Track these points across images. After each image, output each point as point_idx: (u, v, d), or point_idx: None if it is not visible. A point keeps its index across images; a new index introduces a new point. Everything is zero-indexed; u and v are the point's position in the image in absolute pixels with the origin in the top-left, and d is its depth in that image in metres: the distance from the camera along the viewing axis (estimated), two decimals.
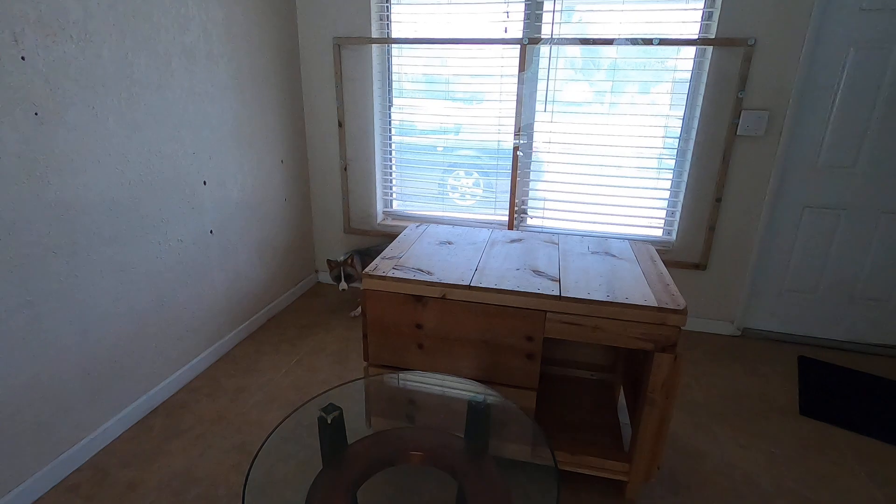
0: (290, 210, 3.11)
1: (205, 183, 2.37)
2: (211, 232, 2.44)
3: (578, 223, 2.99)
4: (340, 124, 3.12)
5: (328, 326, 2.89)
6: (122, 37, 1.86)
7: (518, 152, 2.89)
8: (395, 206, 3.37)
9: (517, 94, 2.79)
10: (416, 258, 1.77)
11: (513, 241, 2.01)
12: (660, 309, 1.45)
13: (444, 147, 3.07)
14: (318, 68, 3.05)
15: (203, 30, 2.25)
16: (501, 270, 1.69)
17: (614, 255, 1.86)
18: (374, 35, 2.93)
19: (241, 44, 2.51)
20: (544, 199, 3.00)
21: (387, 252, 1.83)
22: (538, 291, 1.53)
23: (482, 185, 3.37)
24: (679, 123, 2.75)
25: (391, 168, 3.25)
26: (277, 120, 2.89)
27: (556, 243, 1.98)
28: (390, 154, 3.22)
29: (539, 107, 2.85)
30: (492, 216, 3.12)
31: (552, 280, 1.62)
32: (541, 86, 2.81)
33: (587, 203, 2.93)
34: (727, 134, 2.63)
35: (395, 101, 3.14)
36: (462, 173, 3.15)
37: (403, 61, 3.03)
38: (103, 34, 1.79)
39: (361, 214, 3.30)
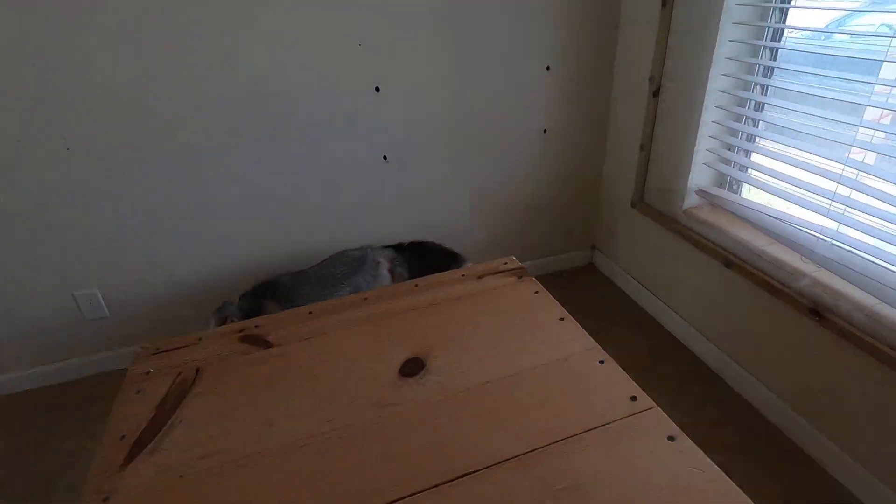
0: (550, 148, 2.00)
1: (378, 90, 1.71)
2: (385, 158, 1.83)
3: None
4: (664, 2, 1.57)
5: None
6: None
7: None
8: (746, 190, 1.60)
9: None
10: None
11: None
12: None
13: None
14: None
15: None
16: None
17: None
18: None
19: None
20: None
21: None
22: None
23: None
24: None
25: (749, 110, 1.47)
26: None
27: None
28: (759, 81, 1.43)
29: None
30: None
31: None
32: None
33: None
34: None
35: None
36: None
37: None
38: None
39: (661, 185, 1.77)
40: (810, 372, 1.33)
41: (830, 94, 1.22)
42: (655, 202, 1.81)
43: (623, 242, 2.07)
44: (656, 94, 1.69)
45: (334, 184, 1.80)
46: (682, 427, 0.68)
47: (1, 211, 1.52)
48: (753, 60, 1.43)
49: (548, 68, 1.84)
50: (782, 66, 1.38)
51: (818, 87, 1.28)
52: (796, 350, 1.36)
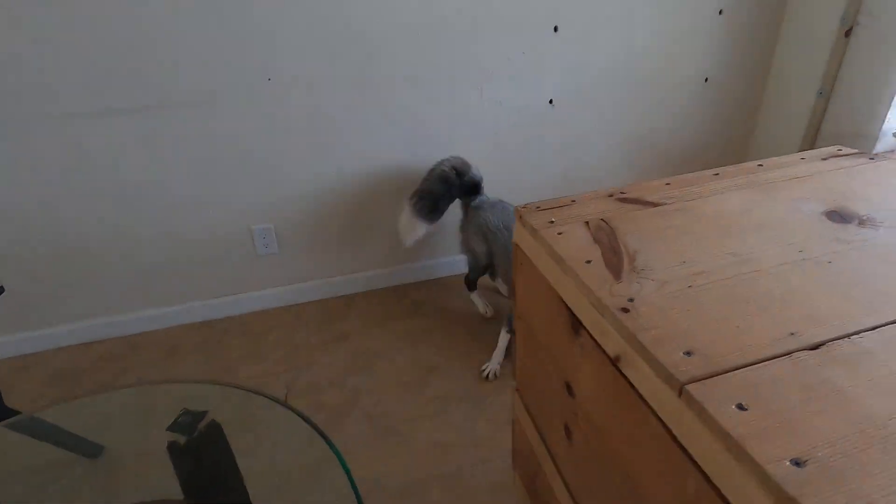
0: (708, 98, 1.95)
1: (556, 29, 1.69)
2: (550, 102, 1.82)
3: None
4: None
5: None
6: None
7: None
8: None
9: None
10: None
11: None
12: None
13: None
14: None
15: None
16: None
17: None
18: None
19: None
20: None
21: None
22: None
23: None
24: None
25: None
26: None
27: None
28: None
29: None
30: None
31: None
32: None
33: None
34: None
35: None
36: None
37: None
38: None
39: (847, 127, 1.71)
40: None
41: None
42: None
43: None
44: (848, 33, 1.63)
45: (499, 127, 1.80)
46: None
47: (193, 142, 1.57)
48: None
49: (720, 12, 1.80)
50: None
51: None
52: None
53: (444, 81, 1.67)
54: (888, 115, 1.57)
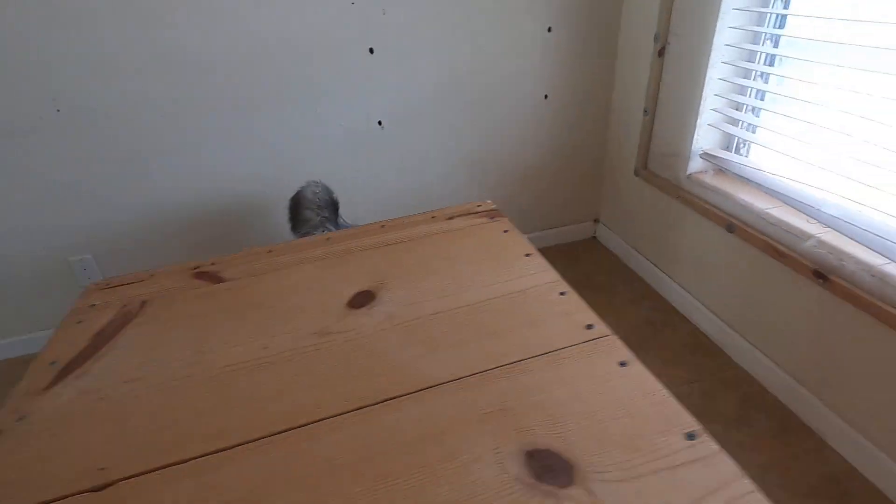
0: (551, 115, 1.92)
1: (371, 51, 1.66)
2: (379, 123, 1.78)
3: None
4: None
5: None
6: None
7: None
8: (755, 151, 1.52)
9: None
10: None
11: None
12: None
13: None
14: None
15: None
16: None
17: None
18: None
19: None
20: None
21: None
22: None
23: None
24: None
25: (760, 65, 1.39)
26: None
27: None
28: (770, 32, 1.35)
29: None
30: None
31: None
32: None
33: None
34: None
35: None
36: None
37: None
38: None
39: (665, 150, 1.69)
40: (813, 338, 1.26)
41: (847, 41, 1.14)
42: (659, 169, 1.74)
43: (625, 213, 2.00)
44: (661, 53, 1.61)
45: (327, 150, 1.77)
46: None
47: None
48: (764, 10, 1.34)
49: (549, 29, 1.77)
50: (796, 13, 1.29)
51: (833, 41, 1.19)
52: (800, 316, 1.29)
53: (271, 104, 1.63)
54: (695, 136, 1.55)
